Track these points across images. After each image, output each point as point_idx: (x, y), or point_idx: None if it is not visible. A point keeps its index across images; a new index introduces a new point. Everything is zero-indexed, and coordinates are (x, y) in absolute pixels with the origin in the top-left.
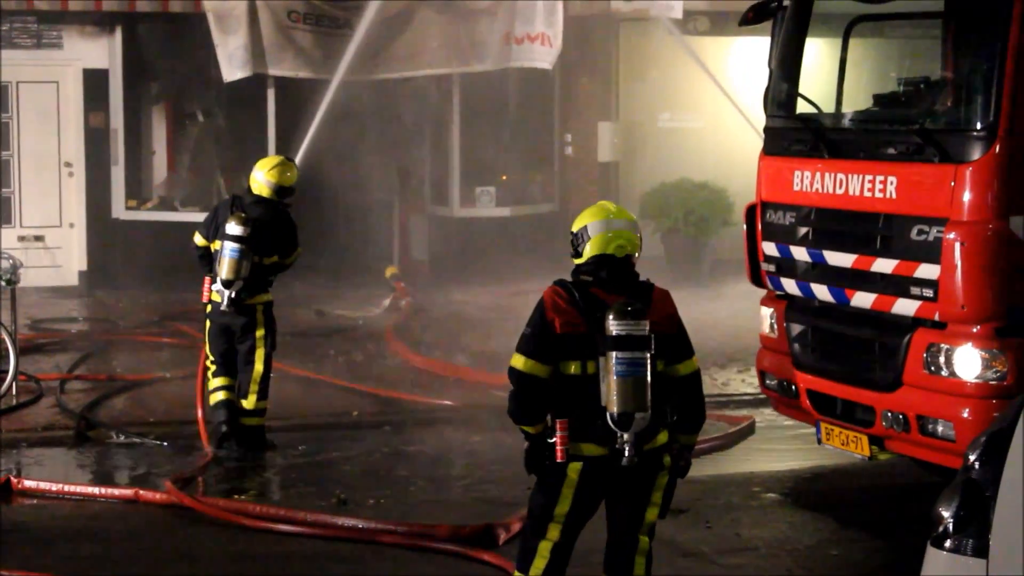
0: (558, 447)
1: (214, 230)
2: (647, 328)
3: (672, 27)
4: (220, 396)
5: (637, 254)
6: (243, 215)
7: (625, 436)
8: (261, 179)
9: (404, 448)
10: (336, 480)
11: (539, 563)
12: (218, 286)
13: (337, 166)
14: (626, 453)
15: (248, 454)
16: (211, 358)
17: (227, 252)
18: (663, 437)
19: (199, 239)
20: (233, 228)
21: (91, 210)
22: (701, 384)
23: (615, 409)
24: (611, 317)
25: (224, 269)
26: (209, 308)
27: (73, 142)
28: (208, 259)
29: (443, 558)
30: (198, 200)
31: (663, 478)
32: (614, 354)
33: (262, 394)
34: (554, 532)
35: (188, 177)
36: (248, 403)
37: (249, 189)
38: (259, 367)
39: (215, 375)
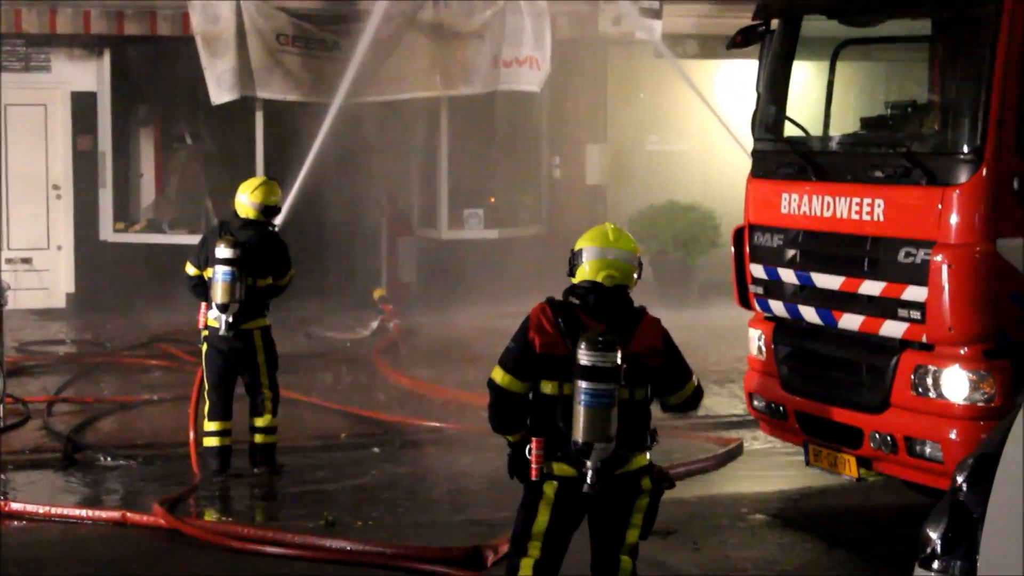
0: (532, 465)
1: (205, 258)
2: (616, 360)
3: (664, 49)
4: (214, 442)
5: (635, 281)
6: (232, 238)
7: (587, 464)
8: (246, 201)
9: (392, 470)
10: (324, 502)
11: (518, 570)
12: (215, 312)
13: (325, 189)
14: (588, 480)
15: (260, 470)
16: (208, 387)
17: (219, 276)
18: (640, 460)
19: (191, 269)
20: (223, 251)
21: (79, 232)
22: (696, 402)
23: (577, 437)
24: (582, 346)
25: (218, 293)
26: (206, 333)
27: (61, 165)
28: (202, 288)
29: None
30: (186, 223)
31: (643, 500)
32: (581, 383)
33: (275, 411)
34: (534, 550)
35: (176, 200)
36: (263, 421)
37: (236, 213)
38: (267, 391)
39: (210, 416)
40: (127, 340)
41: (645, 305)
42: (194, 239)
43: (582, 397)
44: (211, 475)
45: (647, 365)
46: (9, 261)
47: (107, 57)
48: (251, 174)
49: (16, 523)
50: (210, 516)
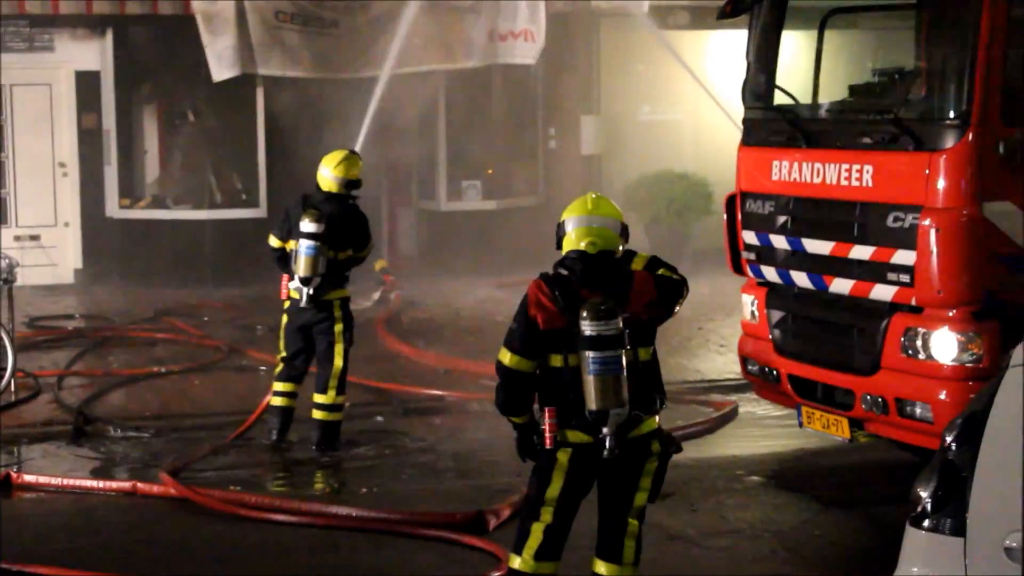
0: (547, 434)
1: (287, 230)
2: (619, 326)
3: (650, 23)
4: (278, 402)
5: (621, 247)
6: (316, 212)
7: (604, 430)
8: (328, 175)
9: (396, 437)
10: (329, 469)
11: (532, 543)
12: (296, 284)
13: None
14: (607, 446)
15: (323, 449)
16: (283, 354)
17: (303, 250)
18: (650, 424)
19: (274, 241)
20: (307, 225)
21: (85, 209)
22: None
23: (592, 406)
24: (584, 317)
25: (301, 267)
26: (287, 305)
27: (67, 143)
28: (285, 259)
29: (435, 544)
30: (190, 198)
31: (652, 463)
32: (588, 353)
33: (340, 389)
34: (547, 515)
35: (180, 176)
36: (327, 398)
37: (318, 187)
38: (338, 362)
39: (279, 377)
40: (134, 314)
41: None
42: (198, 214)
43: (591, 367)
44: (269, 431)
45: (648, 321)
46: (17, 238)
47: (110, 37)
48: (253, 149)
49: (29, 495)
50: (218, 484)
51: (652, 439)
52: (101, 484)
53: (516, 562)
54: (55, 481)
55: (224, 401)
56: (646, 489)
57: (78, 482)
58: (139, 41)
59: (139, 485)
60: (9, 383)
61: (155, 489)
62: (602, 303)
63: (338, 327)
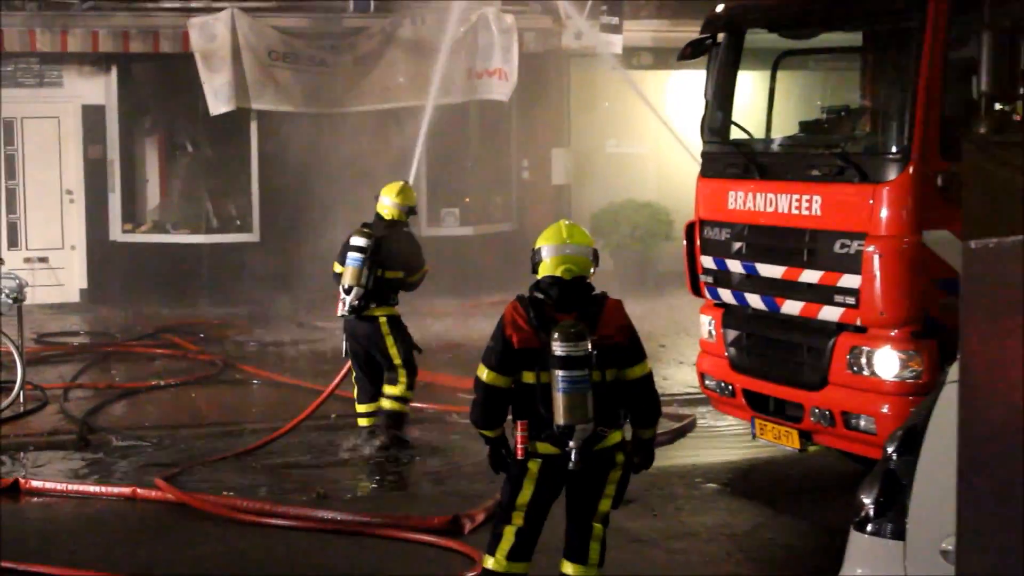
0: (518, 445)
1: (344, 255)
2: (587, 348)
3: (616, 63)
4: (364, 422)
5: (592, 271)
6: (367, 230)
7: (571, 443)
8: (389, 203)
9: (377, 446)
10: (317, 476)
11: (504, 545)
12: (342, 294)
13: (319, 190)
14: (572, 459)
15: (387, 434)
16: (355, 373)
17: (348, 261)
18: (615, 437)
19: (338, 267)
20: (355, 239)
21: (90, 233)
22: (652, 384)
23: (560, 421)
24: (556, 338)
25: (345, 276)
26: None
27: (73, 172)
28: None
29: (414, 547)
30: (188, 223)
31: (616, 473)
32: (558, 372)
33: (410, 384)
34: (518, 518)
35: (179, 203)
36: (396, 389)
37: (378, 215)
38: (399, 361)
39: (359, 400)
40: (135, 331)
41: (607, 295)
42: (196, 238)
43: (560, 384)
44: (361, 445)
45: (614, 344)
46: (27, 260)
47: (114, 73)
48: (247, 179)
49: (36, 499)
50: (212, 490)
51: (616, 451)
52: (103, 489)
53: (490, 562)
54: (60, 486)
55: (219, 412)
56: (610, 496)
57: (82, 487)
58: (142, 77)
59: (139, 490)
60: (18, 395)
61: (154, 494)
62: (572, 326)
63: (388, 340)
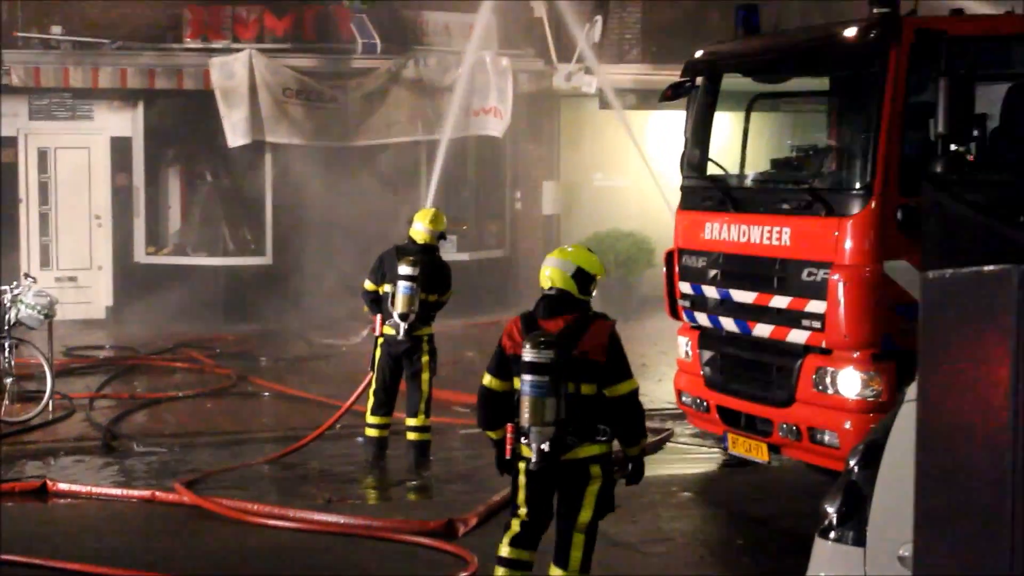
0: (507, 446)
1: (381, 275)
2: (551, 357)
3: (614, 101)
4: (374, 433)
5: (572, 285)
6: (412, 258)
7: (532, 445)
8: (422, 228)
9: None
10: (322, 483)
11: (511, 533)
12: (394, 320)
13: (327, 218)
14: (533, 459)
15: (419, 464)
16: (376, 387)
17: (401, 290)
18: (587, 450)
19: (369, 285)
20: (405, 269)
21: (116, 255)
22: (634, 404)
23: (523, 422)
24: (526, 346)
25: (400, 304)
26: (381, 340)
27: (101, 198)
28: (377, 301)
29: (411, 548)
30: (206, 247)
31: (593, 486)
32: (525, 376)
33: (428, 412)
34: (522, 511)
35: (198, 228)
36: (418, 421)
37: (411, 239)
38: (425, 388)
39: (374, 411)
40: (156, 346)
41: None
42: (213, 261)
43: (525, 388)
44: (368, 461)
45: (592, 362)
46: (58, 279)
47: (141, 107)
48: (261, 206)
49: (63, 500)
50: (226, 494)
51: (591, 464)
52: (125, 492)
53: (502, 550)
54: (85, 489)
55: (233, 422)
56: (590, 507)
57: (105, 490)
58: (166, 112)
59: (157, 493)
60: (48, 403)
61: (171, 497)
62: (542, 335)
63: (425, 358)
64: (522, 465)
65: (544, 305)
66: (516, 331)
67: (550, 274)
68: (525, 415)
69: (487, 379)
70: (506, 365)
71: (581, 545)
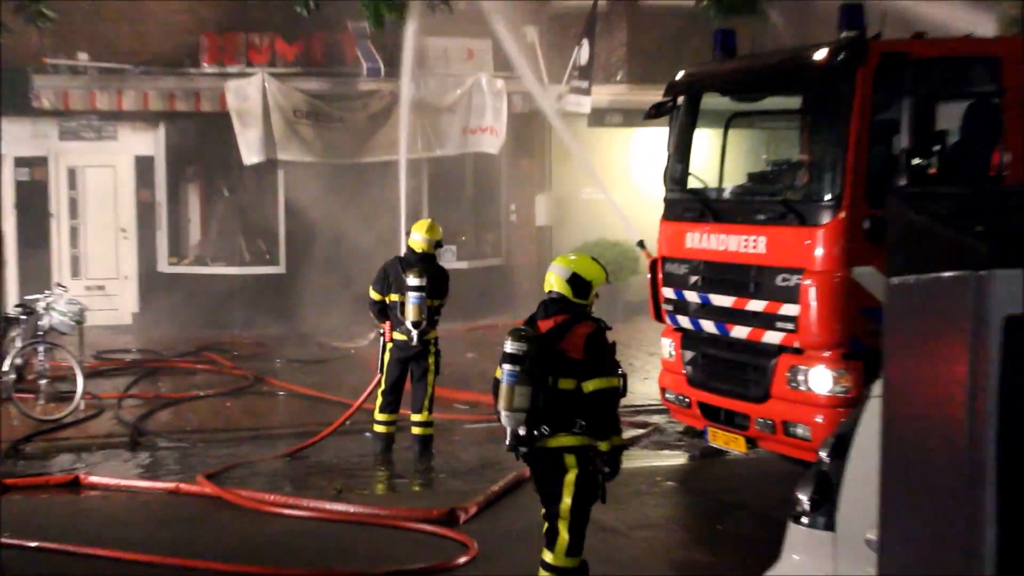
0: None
1: (387, 285)
2: (524, 349)
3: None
4: (381, 429)
5: (568, 289)
6: (418, 269)
7: (507, 429)
8: (420, 239)
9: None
10: (333, 475)
11: (544, 533)
12: (406, 327)
13: (336, 229)
14: (506, 441)
15: (423, 456)
16: (385, 387)
17: (412, 300)
18: (562, 440)
19: (375, 295)
20: (414, 280)
21: (141, 265)
22: (605, 401)
23: (498, 407)
24: (507, 338)
25: (411, 313)
26: (391, 345)
27: (127, 212)
28: (383, 310)
29: (416, 535)
30: (224, 257)
31: (570, 476)
32: (503, 365)
33: (431, 409)
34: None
35: (216, 239)
36: (421, 417)
37: (411, 249)
38: (430, 389)
39: (382, 410)
40: (179, 349)
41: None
42: (230, 270)
43: (502, 375)
44: (376, 454)
45: (570, 358)
46: (87, 288)
47: (162, 128)
48: (274, 219)
49: (94, 492)
50: (244, 486)
51: (566, 454)
52: (151, 484)
53: (543, 556)
54: (114, 482)
55: (250, 420)
56: (568, 495)
57: (132, 482)
58: (185, 132)
59: (181, 485)
60: (79, 403)
61: (194, 489)
62: (522, 329)
63: (431, 359)
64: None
65: (542, 306)
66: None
67: (549, 282)
68: (500, 400)
69: (498, 372)
70: None
71: (566, 530)
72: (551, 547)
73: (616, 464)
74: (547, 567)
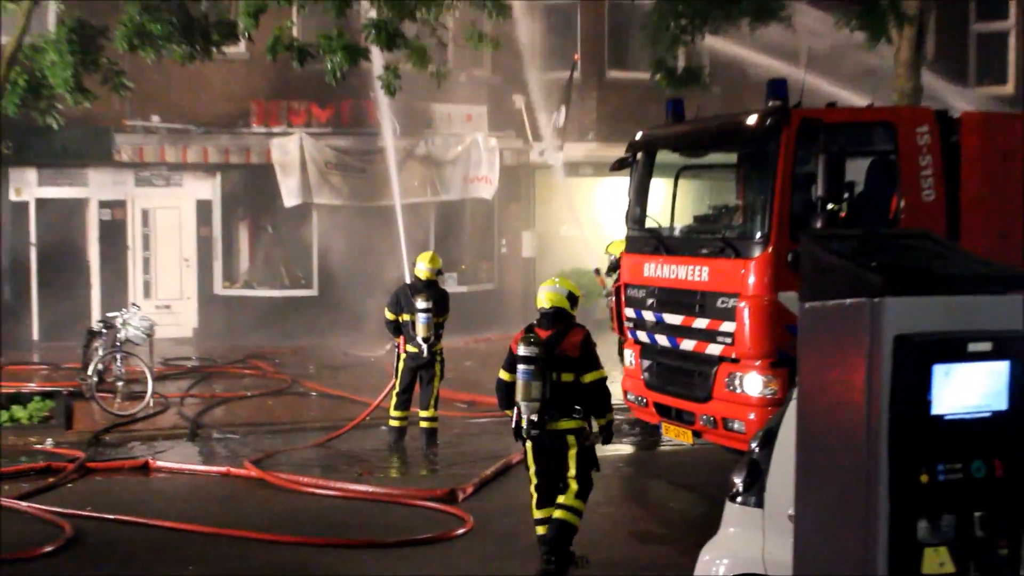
0: (513, 424)
1: (399, 306)
2: (535, 352)
3: (570, 173)
4: (396, 423)
5: (566, 304)
6: (426, 294)
7: (524, 415)
8: (424, 268)
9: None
10: (355, 461)
11: (533, 500)
12: (417, 342)
13: (360, 259)
14: (524, 426)
15: (429, 446)
16: (398, 390)
17: (421, 320)
18: (565, 423)
19: (390, 315)
20: (422, 303)
21: (200, 288)
22: (602, 388)
23: (517, 399)
24: (520, 343)
25: (421, 330)
26: (404, 356)
27: (189, 245)
28: (397, 327)
29: (422, 510)
30: (267, 282)
31: (572, 451)
32: (519, 365)
33: (436, 407)
34: (535, 479)
35: (261, 267)
36: (428, 413)
37: (417, 277)
38: (435, 391)
39: (396, 407)
40: (230, 357)
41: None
42: (273, 292)
43: (518, 374)
44: (391, 444)
45: (569, 357)
46: (156, 307)
47: (219, 176)
48: (309, 251)
49: (161, 475)
50: (283, 469)
51: (569, 434)
52: (206, 468)
53: (534, 515)
54: (177, 466)
55: (289, 416)
56: (573, 466)
57: (192, 467)
58: (237, 180)
59: (231, 469)
60: (149, 401)
61: (242, 472)
62: (531, 336)
63: (438, 367)
64: (528, 441)
65: (542, 318)
66: (520, 337)
67: (547, 297)
68: (518, 393)
69: (502, 374)
70: (512, 362)
71: (576, 483)
72: (563, 494)
73: (610, 434)
74: (560, 506)
